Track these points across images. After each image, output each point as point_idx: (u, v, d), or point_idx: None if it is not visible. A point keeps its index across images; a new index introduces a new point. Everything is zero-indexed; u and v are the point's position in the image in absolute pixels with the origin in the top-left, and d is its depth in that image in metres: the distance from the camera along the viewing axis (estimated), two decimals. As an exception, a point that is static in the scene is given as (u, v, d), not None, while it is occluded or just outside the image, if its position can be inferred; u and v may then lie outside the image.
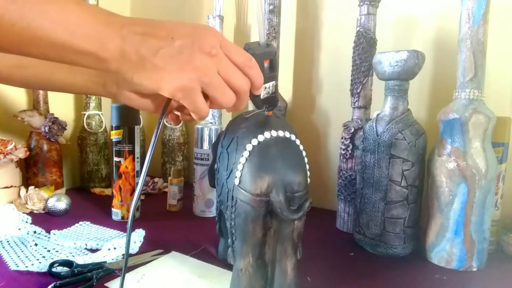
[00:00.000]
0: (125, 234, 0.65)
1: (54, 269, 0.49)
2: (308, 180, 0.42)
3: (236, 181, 0.40)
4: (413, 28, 0.76)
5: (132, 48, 0.31)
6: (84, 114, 0.96)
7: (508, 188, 0.63)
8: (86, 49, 0.29)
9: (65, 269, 0.50)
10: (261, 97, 0.40)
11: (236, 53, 0.34)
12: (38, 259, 0.53)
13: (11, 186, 0.80)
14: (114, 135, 0.72)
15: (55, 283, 0.46)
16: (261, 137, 0.41)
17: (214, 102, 0.35)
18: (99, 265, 0.51)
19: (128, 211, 0.73)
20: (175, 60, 0.31)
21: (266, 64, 0.39)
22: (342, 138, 0.71)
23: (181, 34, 0.32)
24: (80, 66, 0.32)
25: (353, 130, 0.70)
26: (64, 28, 0.29)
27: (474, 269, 0.55)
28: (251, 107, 0.94)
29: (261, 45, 0.40)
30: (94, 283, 0.47)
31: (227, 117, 1.00)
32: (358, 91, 0.70)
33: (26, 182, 0.86)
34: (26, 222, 0.70)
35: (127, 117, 0.72)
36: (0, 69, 0.44)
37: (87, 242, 0.60)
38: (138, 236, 0.61)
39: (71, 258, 0.53)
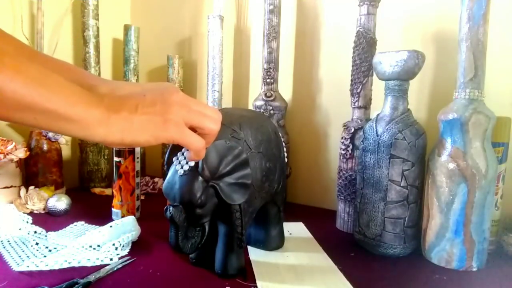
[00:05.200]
0: (125, 234, 0.65)
1: None
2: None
3: None
4: (413, 28, 0.76)
5: (114, 111, 0.33)
6: (84, 114, 0.96)
7: (508, 188, 0.63)
8: (72, 117, 0.31)
9: None
10: None
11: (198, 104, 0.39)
12: (39, 259, 0.53)
13: (11, 186, 0.80)
14: (114, 135, 0.72)
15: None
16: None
17: (202, 129, 0.38)
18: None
19: (128, 211, 0.73)
20: (154, 111, 0.35)
21: None
22: (342, 138, 0.71)
23: (149, 90, 0.37)
24: (67, 135, 0.34)
25: (353, 130, 0.70)
26: (58, 98, 0.30)
27: (474, 269, 0.55)
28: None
29: None
30: None
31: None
32: (358, 91, 0.70)
33: (26, 182, 0.86)
34: (27, 222, 0.70)
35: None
36: None
37: (87, 242, 0.59)
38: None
39: (71, 258, 0.53)
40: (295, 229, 0.70)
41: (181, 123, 0.36)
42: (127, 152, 0.73)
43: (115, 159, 0.73)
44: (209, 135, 0.39)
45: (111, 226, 0.62)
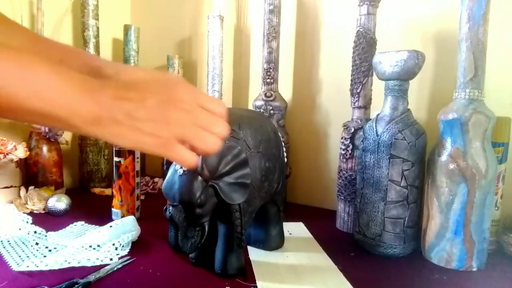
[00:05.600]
0: (125, 234, 0.64)
1: None
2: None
3: None
4: (413, 28, 0.76)
5: (105, 113, 0.31)
6: (84, 114, 0.96)
7: (508, 188, 0.63)
8: (59, 116, 0.30)
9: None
10: None
11: (208, 101, 0.36)
12: (39, 259, 0.53)
13: (11, 186, 0.80)
14: (114, 135, 0.72)
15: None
16: None
17: (197, 150, 0.35)
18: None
19: (128, 211, 0.73)
20: (149, 120, 0.32)
21: None
22: (342, 138, 0.71)
23: (152, 93, 0.33)
24: (56, 129, 0.33)
25: (353, 130, 0.70)
26: (40, 97, 0.29)
27: (474, 269, 0.55)
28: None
29: None
30: None
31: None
32: (358, 91, 0.70)
33: (26, 182, 0.86)
34: (27, 222, 0.70)
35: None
36: None
37: (87, 242, 0.59)
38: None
39: (71, 258, 0.53)
40: (295, 229, 0.70)
41: (173, 142, 0.34)
42: (127, 152, 0.72)
43: (115, 159, 0.73)
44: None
45: (111, 226, 0.62)
